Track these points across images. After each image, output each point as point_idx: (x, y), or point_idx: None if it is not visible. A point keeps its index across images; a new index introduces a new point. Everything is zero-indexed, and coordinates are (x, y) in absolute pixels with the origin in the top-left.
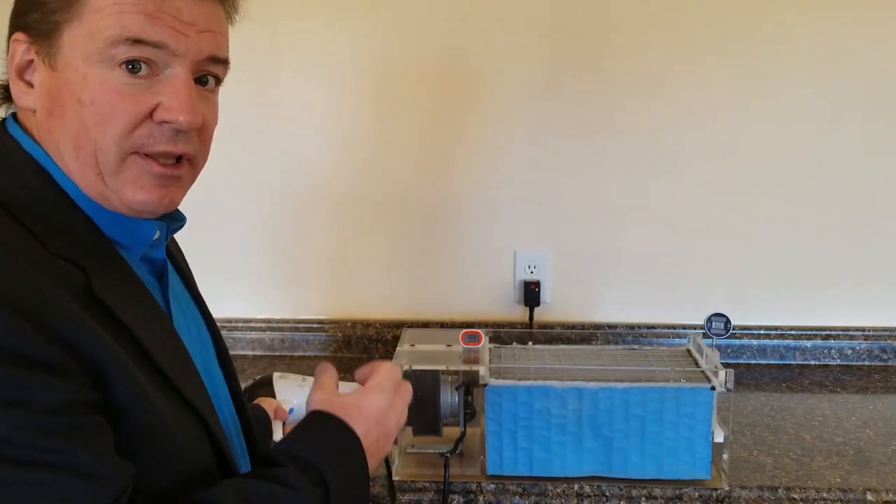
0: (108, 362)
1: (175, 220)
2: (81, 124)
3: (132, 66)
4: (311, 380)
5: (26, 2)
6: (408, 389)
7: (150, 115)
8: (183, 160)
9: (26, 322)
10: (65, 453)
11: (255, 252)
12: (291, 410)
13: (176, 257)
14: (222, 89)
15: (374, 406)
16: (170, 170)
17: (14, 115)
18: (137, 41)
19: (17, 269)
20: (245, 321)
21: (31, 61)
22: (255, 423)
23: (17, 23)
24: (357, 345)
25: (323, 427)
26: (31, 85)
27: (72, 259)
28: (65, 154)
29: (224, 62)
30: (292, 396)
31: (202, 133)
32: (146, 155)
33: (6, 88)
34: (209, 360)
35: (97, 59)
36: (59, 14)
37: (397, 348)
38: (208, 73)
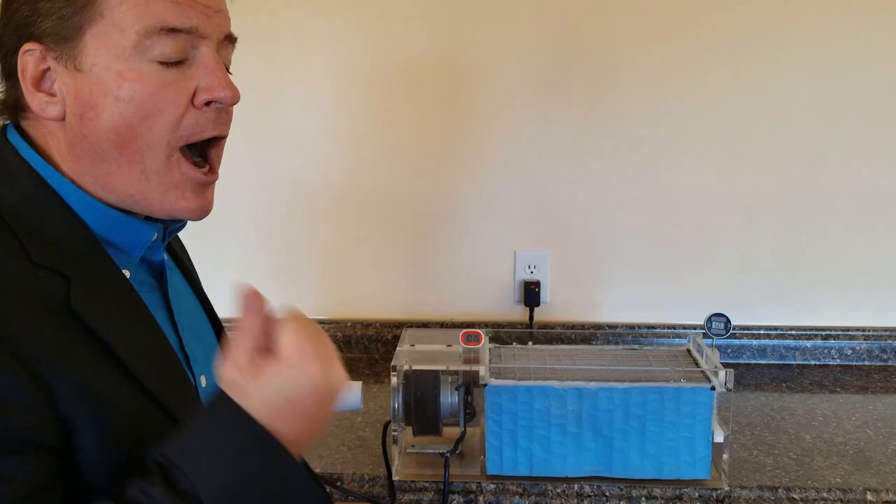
0: (72, 378)
1: (174, 220)
2: (123, 122)
3: (166, 58)
4: None
5: (33, 12)
6: (317, 350)
7: (192, 102)
8: (213, 163)
9: None
10: None
11: (255, 252)
12: None
13: (180, 256)
14: None
15: (302, 390)
16: (209, 176)
17: (15, 125)
18: (171, 29)
19: None
20: None
21: (47, 70)
22: None
23: (23, 34)
24: (357, 345)
25: (215, 425)
26: (52, 94)
27: (56, 268)
28: (104, 155)
29: (234, 40)
30: None
31: (230, 112)
32: (186, 157)
33: (4, 103)
34: (213, 358)
35: (130, 52)
36: (77, 16)
37: (397, 348)
38: (225, 50)
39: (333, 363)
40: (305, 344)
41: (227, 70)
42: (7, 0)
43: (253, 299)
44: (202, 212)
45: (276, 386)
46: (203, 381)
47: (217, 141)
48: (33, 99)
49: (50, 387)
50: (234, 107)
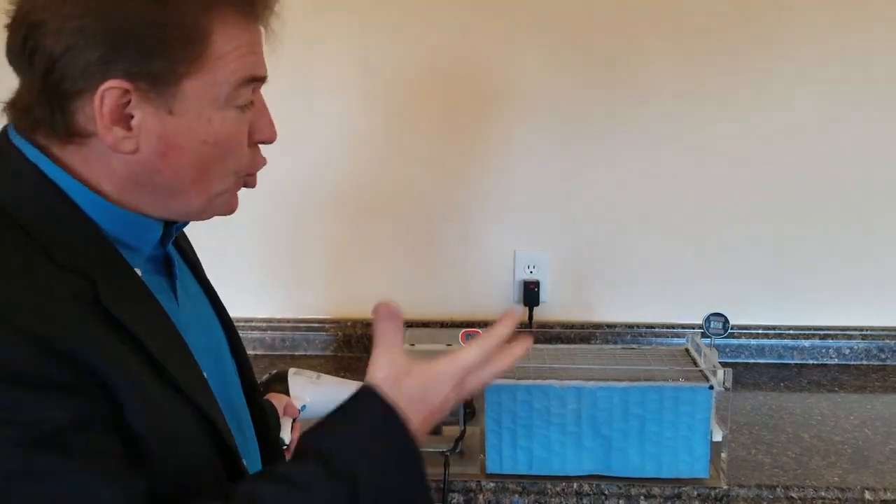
0: (116, 373)
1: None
2: (205, 161)
3: (244, 105)
4: (325, 377)
5: (134, 49)
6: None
7: (248, 140)
8: None
9: (28, 342)
10: (71, 474)
11: (257, 252)
12: (303, 407)
13: (187, 252)
14: None
15: (438, 394)
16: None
17: (14, 126)
18: (256, 79)
19: (20, 288)
20: (246, 321)
21: (126, 105)
22: (272, 422)
23: (107, 70)
24: (357, 344)
25: (363, 412)
26: (129, 129)
27: (79, 270)
28: (178, 187)
29: None
30: (305, 393)
31: None
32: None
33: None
34: (221, 352)
35: (222, 103)
36: (183, 66)
37: None
38: None
39: (471, 377)
40: (459, 376)
41: None
42: (100, 21)
43: (394, 311)
44: (234, 209)
45: (421, 385)
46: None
47: None
48: (108, 133)
49: (101, 377)
50: None
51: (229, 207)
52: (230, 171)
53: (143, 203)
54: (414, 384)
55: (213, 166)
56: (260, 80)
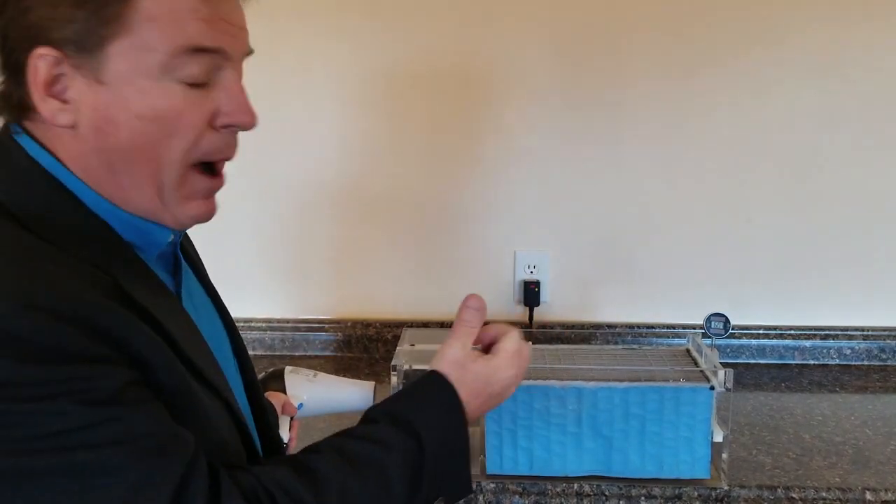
0: (152, 353)
1: None
2: (145, 139)
3: (193, 77)
4: (322, 375)
5: (52, 16)
6: (527, 358)
7: (210, 121)
8: (220, 173)
9: (67, 322)
10: (132, 426)
11: (256, 252)
12: (300, 406)
13: (190, 253)
14: None
15: (500, 381)
16: (216, 182)
17: (19, 125)
18: (200, 49)
19: (50, 273)
20: (246, 321)
21: (60, 76)
22: (274, 421)
23: (38, 36)
24: (357, 345)
25: (430, 387)
26: (65, 101)
27: (98, 265)
28: (118, 169)
29: (251, 54)
30: (302, 392)
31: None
32: (200, 167)
33: (6, 99)
34: (224, 352)
35: (157, 72)
36: (103, 28)
37: (397, 348)
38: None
39: (523, 373)
40: (522, 349)
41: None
42: None
43: (483, 305)
44: (208, 216)
45: (487, 371)
46: None
47: None
48: (44, 104)
49: (139, 355)
50: None
51: (198, 210)
52: (177, 156)
53: (102, 190)
54: (479, 370)
55: (155, 148)
56: (208, 51)
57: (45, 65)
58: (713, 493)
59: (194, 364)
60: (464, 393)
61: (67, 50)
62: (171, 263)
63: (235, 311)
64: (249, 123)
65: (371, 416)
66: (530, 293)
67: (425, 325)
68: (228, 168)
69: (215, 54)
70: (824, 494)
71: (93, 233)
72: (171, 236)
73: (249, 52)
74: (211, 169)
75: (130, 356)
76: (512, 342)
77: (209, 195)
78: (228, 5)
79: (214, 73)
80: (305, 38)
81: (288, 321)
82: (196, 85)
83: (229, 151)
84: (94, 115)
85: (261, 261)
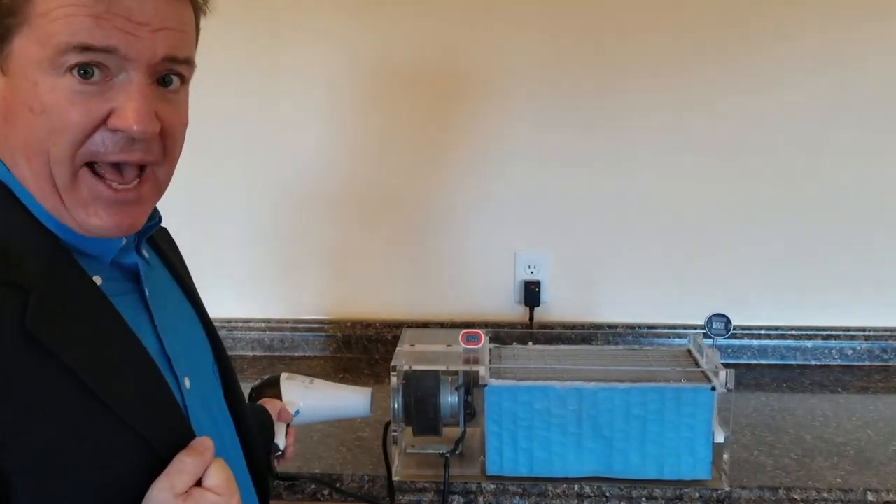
0: (16, 418)
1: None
2: (34, 134)
3: (84, 71)
4: (319, 381)
5: None
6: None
7: (104, 122)
8: (145, 176)
9: None
10: None
11: (255, 252)
12: (297, 413)
13: (167, 253)
14: (222, 90)
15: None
16: (125, 194)
17: None
18: (86, 48)
19: None
20: (245, 321)
21: None
22: (254, 424)
23: None
24: (357, 345)
25: None
26: None
27: (14, 282)
28: (20, 162)
29: (185, 62)
30: (298, 399)
31: (166, 138)
32: (97, 174)
33: None
34: (203, 360)
35: (47, 66)
36: (10, 18)
37: (397, 348)
38: (171, 72)
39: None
40: (232, 481)
41: (180, 91)
42: None
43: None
44: (118, 230)
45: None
46: (187, 382)
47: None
48: None
49: None
50: (235, 106)
51: (99, 221)
52: (63, 153)
53: (36, 197)
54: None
55: (43, 143)
56: (95, 49)
57: None
58: (714, 494)
59: (102, 400)
60: None
61: None
62: (133, 270)
63: (235, 312)
64: (137, 131)
65: None
66: (530, 293)
67: (425, 325)
68: (229, 168)
69: (108, 54)
70: (826, 495)
71: (28, 239)
72: (123, 240)
73: (177, 58)
74: (119, 172)
75: None
76: (220, 475)
77: (116, 206)
78: (132, 2)
79: (115, 73)
80: (300, 39)
81: (287, 322)
82: (90, 83)
83: (122, 154)
84: (1, 104)
85: (260, 261)
